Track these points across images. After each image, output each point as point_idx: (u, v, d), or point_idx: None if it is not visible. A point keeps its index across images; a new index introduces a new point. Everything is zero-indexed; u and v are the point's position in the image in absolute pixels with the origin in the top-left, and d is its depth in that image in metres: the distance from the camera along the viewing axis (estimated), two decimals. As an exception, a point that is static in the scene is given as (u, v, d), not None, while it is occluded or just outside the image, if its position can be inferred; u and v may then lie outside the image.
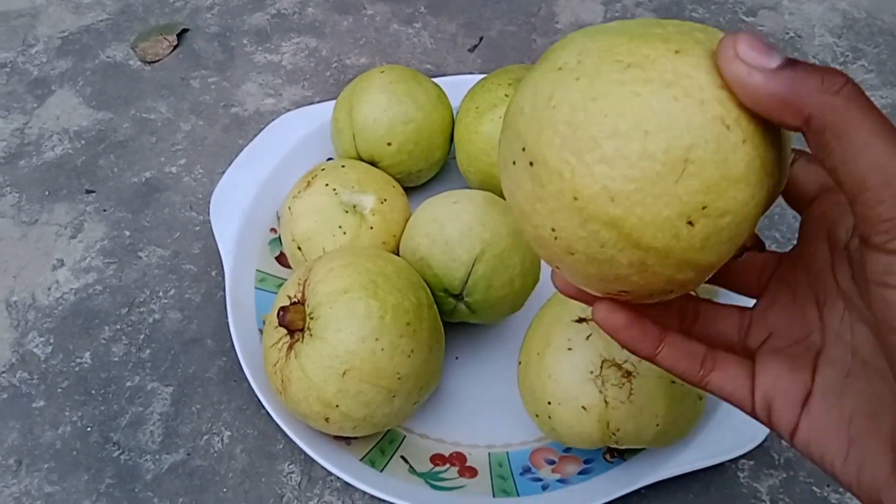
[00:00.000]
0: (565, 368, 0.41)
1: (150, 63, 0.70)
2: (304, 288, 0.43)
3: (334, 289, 0.42)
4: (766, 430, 0.44)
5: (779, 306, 0.27)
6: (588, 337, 0.41)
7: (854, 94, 0.20)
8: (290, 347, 0.42)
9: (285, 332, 0.42)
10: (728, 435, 0.44)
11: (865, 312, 0.23)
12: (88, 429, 0.49)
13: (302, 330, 0.42)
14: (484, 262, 0.46)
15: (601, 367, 0.40)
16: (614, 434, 0.40)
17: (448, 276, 0.46)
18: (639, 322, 0.26)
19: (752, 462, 0.47)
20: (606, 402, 0.40)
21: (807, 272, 0.26)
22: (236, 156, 0.57)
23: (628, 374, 0.40)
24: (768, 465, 0.47)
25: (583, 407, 0.40)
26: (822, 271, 0.25)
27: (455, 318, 0.49)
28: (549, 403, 0.41)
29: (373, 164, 0.55)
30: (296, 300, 0.43)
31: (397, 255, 0.50)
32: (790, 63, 0.20)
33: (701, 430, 0.44)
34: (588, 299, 0.27)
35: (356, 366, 0.40)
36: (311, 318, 0.41)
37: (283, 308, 0.42)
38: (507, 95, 0.52)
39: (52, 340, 0.53)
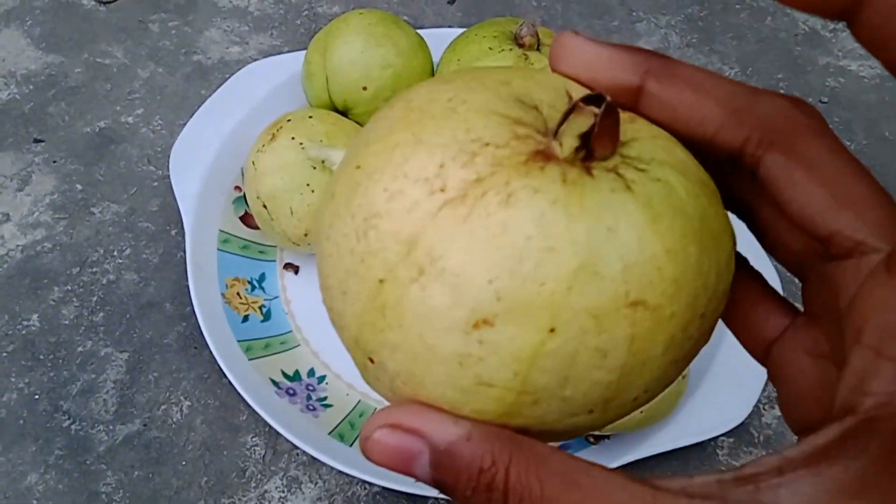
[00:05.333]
0: None
1: (104, 3, 0.66)
2: None
3: None
4: (749, 409, 0.43)
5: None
6: None
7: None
8: None
9: None
10: (710, 413, 0.43)
11: None
12: (36, 396, 0.46)
13: None
14: None
15: None
16: None
17: None
18: None
19: (731, 439, 0.46)
20: None
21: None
22: (199, 107, 0.53)
23: None
24: (748, 443, 0.46)
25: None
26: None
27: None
28: None
29: (345, 111, 0.52)
30: None
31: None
32: None
33: (683, 407, 0.43)
34: None
35: None
36: None
37: None
38: (490, 49, 0.49)
39: (-4, 301, 0.49)
